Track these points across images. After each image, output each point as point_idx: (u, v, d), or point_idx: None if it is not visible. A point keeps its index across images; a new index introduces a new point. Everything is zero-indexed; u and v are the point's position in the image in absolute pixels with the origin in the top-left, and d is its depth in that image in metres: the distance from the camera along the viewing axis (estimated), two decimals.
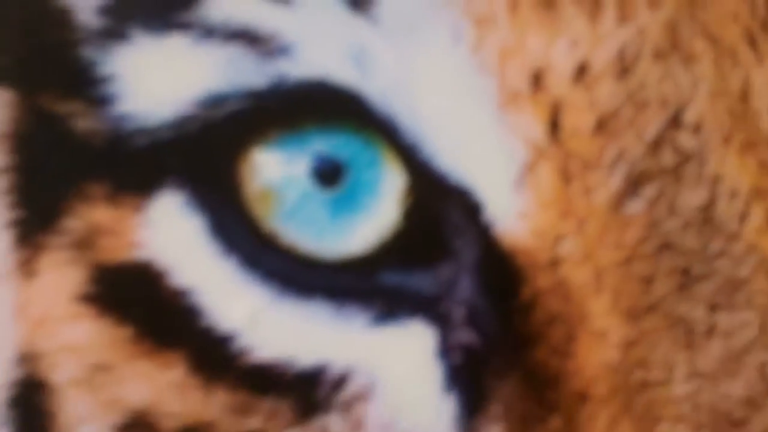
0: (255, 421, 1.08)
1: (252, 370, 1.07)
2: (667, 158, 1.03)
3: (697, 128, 1.04)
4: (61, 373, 1.10)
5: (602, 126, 1.05)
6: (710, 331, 1.06)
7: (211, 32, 1.05)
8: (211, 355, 1.07)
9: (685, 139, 1.03)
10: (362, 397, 1.07)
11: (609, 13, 1.04)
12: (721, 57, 1.04)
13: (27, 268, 1.10)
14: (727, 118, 1.03)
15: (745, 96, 1.06)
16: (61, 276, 1.10)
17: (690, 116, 1.03)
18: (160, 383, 1.09)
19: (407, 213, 1.05)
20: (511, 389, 1.07)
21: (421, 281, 1.07)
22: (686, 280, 1.04)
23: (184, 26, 1.06)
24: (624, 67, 1.03)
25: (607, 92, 1.05)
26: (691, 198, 1.02)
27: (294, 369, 1.08)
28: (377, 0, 1.04)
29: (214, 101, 1.04)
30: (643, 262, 1.04)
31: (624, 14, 1.05)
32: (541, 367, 1.06)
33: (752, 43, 1.04)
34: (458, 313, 1.06)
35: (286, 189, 1.06)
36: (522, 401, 1.07)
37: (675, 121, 1.01)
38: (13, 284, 1.10)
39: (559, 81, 1.03)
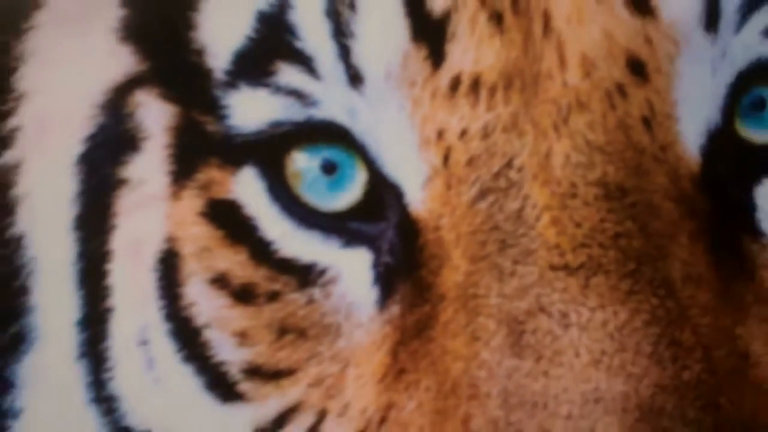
0: (277, 285, 1.18)
1: (279, 260, 1.19)
2: (502, 182, 1.13)
3: (520, 169, 1.12)
4: (185, 248, 1.20)
5: (470, 162, 1.13)
6: (512, 274, 1.10)
7: (279, 89, 1.16)
8: (260, 251, 1.19)
9: (513, 174, 1.13)
10: (332, 281, 1.18)
11: (481, 105, 1.13)
12: (538, 134, 1.12)
13: (175, 195, 1.19)
14: (537, 167, 1.12)
15: (548, 156, 1.12)
16: (191, 201, 1.19)
17: (517, 163, 1.12)
18: (234, 261, 1.19)
19: (366, 193, 1.16)
20: (407, 288, 1.16)
21: (369, 229, 1.17)
22: (503, 246, 1.12)
23: (266, 85, 1.16)
24: (486, 134, 1.12)
25: (475, 145, 1.13)
26: (512, 205, 1.12)
27: (300, 262, 1.19)
28: (365, 84, 1.15)
29: (277, 124, 1.16)
30: (482, 233, 1.12)
31: (489, 106, 1.12)
32: (424, 279, 1.16)
33: (556, 129, 1.12)
34: (385, 247, 1.17)
35: (307, 173, 1.17)
36: (412, 295, 1.16)
37: (509, 165, 1.13)
38: (166, 203, 1.20)
39: (451, 136, 1.13)
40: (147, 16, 1.24)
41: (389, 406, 1.15)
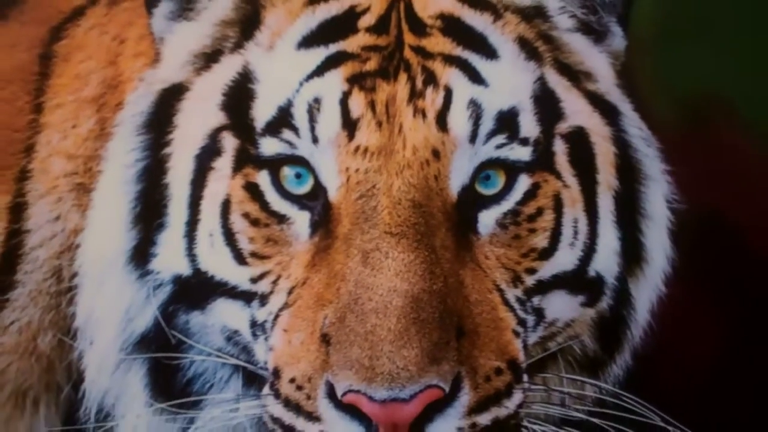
0: (269, 221, 1.32)
1: (272, 210, 1.32)
2: (370, 194, 1.30)
3: (378, 189, 1.30)
4: (234, 199, 1.34)
5: (357, 183, 1.30)
6: (367, 232, 1.29)
7: (282, 140, 1.32)
8: (264, 206, 1.33)
9: (375, 191, 1.30)
10: (292, 222, 1.32)
11: (366, 160, 1.29)
12: (389, 176, 1.30)
13: (233, 177, 1.34)
14: (385, 189, 1.29)
15: (391, 186, 1.29)
16: (239, 181, 1.35)
17: (377, 186, 1.30)
18: (252, 208, 1.33)
19: (312, 189, 1.32)
20: (323, 231, 1.32)
21: (311, 204, 1.32)
22: (366, 220, 1.29)
23: (277, 137, 1.32)
24: (366, 172, 1.30)
25: (361, 176, 1.30)
26: (372, 203, 1.30)
27: (280, 213, 1.32)
28: (319, 143, 1.31)
29: (279, 155, 1.32)
30: (357, 213, 1.30)
31: (369, 161, 1.30)
32: (330, 229, 1.31)
33: (397, 174, 1.30)
34: (316, 212, 1.32)
35: (288, 176, 1.32)
36: (324, 234, 1.32)
37: (373, 187, 1.29)
38: (229, 180, 1.34)
39: (351, 171, 1.30)
40: (231, 101, 1.37)
41: (307, 278, 1.32)
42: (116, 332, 1.37)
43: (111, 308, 1.37)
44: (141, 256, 1.37)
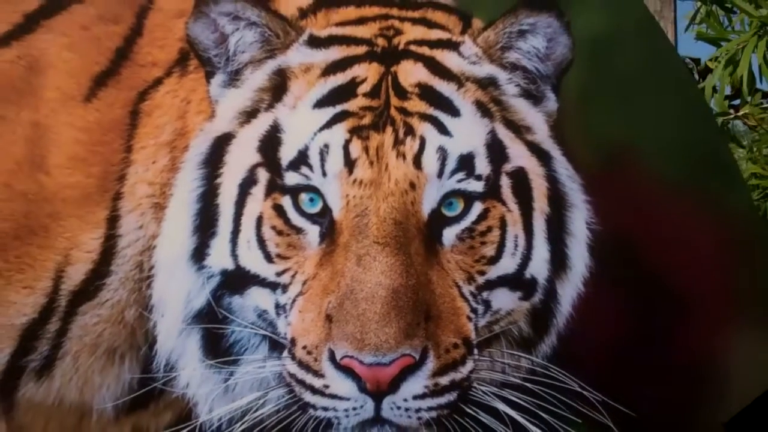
0: (290, 231, 1.41)
1: (292, 224, 1.42)
2: (363, 214, 1.41)
3: (369, 211, 1.40)
4: (265, 216, 1.42)
5: (354, 206, 1.41)
6: (361, 242, 1.40)
7: (300, 173, 1.41)
8: (286, 221, 1.42)
9: (367, 212, 1.38)
10: (306, 233, 1.42)
11: (361, 189, 1.40)
12: (377, 200, 1.40)
13: (265, 200, 1.45)
14: (375, 211, 1.40)
15: (379, 208, 1.38)
16: (269, 203, 1.45)
17: (369, 209, 1.39)
18: (277, 222, 1.42)
19: (321, 209, 1.43)
20: (328, 240, 1.42)
21: (320, 220, 1.44)
22: (360, 232, 1.39)
23: (297, 171, 1.42)
24: (361, 197, 1.42)
25: (357, 201, 1.39)
26: (365, 221, 1.41)
27: (298, 226, 1.41)
28: (327, 176, 1.42)
29: (298, 184, 1.41)
30: (354, 227, 1.40)
31: (363, 189, 1.40)
32: (334, 239, 1.42)
33: (383, 200, 1.39)
34: (324, 226, 1.43)
35: (305, 200, 1.44)
36: (329, 242, 1.40)
37: (366, 209, 1.36)
38: (262, 203, 1.44)
39: (350, 196, 1.40)
40: (264, 146, 1.48)
41: (316, 273, 1.46)
42: (180, 309, 1.50)
43: (177, 291, 1.50)
44: (199, 255, 1.50)
